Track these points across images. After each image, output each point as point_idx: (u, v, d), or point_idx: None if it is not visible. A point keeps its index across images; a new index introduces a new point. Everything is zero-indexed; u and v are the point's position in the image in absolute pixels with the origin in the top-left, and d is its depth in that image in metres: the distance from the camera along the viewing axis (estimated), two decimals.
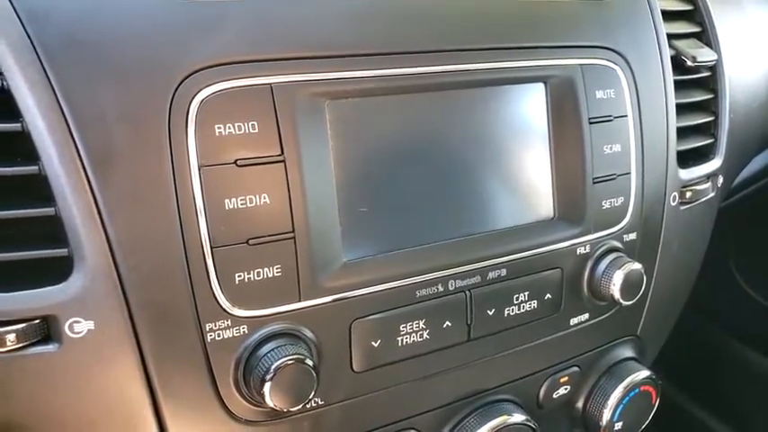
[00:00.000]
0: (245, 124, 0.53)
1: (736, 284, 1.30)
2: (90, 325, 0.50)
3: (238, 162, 0.52)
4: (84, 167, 0.49)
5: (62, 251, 0.49)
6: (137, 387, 0.52)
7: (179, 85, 0.51)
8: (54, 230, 0.49)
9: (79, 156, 0.48)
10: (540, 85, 0.66)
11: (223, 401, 0.55)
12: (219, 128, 0.52)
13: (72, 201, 0.49)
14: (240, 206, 0.53)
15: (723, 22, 0.86)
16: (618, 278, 0.70)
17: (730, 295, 1.30)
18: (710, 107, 0.84)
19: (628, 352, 0.80)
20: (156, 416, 0.54)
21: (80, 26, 0.49)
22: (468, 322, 0.64)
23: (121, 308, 0.51)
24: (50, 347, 0.50)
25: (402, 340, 0.61)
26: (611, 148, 0.70)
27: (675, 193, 0.77)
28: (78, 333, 0.50)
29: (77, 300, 0.49)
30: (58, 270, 0.49)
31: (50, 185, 0.48)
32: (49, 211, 0.49)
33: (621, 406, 0.76)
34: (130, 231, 0.50)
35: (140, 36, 0.50)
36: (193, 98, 0.51)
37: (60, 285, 0.49)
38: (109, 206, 0.49)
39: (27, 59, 0.47)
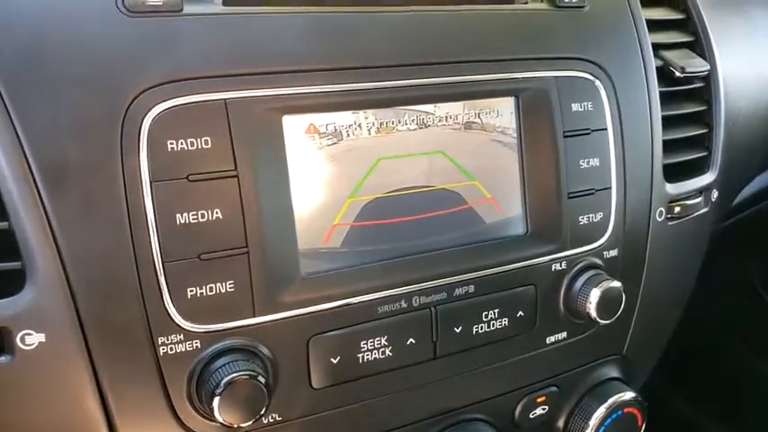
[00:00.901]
0: (198, 140, 0.53)
1: (762, 303, 1.24)
2: (41, 337, 0.51)
3: (190, 177, 0.53)
4: (35, 183, 0.49)
5: (15, 264, 0.50)
6: (90, 400, 0.53)
7: (132, 101, 0.51)
8: (7, 244, 0.50)
9: (31, 171, 0.49)
10: (511, 99, 0.65)
11: (177, 415, 0.56)
12: (172, 143, 0.52)
13: (24, 215, 0.49)
14: (192, 221, 0.53)
15: (724, 29, 0.83)
16: (594, 296, 0.68)
17: (756, 314, 1.25)
18: (704, 119, 0.81)
19: (612, 372, 0.78)
20: (110, 429, 0.54)
21: (33, 43, 0.50)
22: (434, 339, 0.63)
23: (73, 321, 0.51)
24: (2, 359, 0.50)
25: (363, 357, 0.60)
26: (588, 162, 0.68)
27: (662, 209, 0.75)
28: (30, 345, 0.50)
29: (29, 312, 0.50)
30: (11, 283, 0.50)
31: (3, 200, 0.49)
32: (2, 225, 0.50)
33: (603, 428, 0.74)
34: (82, 246, 0.51)
35: (93, 53, 0.51)
36: (146, 114, 0.51)
37: (13, 298, 0.50)
38: (61, 221, 0.50)
39: None
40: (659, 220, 0.75)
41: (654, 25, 0.75)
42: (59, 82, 0.50)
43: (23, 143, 0.49)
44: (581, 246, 0.69)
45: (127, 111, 0.51)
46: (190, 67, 0.53)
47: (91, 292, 0.51)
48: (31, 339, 0.51)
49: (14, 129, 0.49)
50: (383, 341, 0.61)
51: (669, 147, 0.75)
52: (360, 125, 0.60)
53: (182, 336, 0.54)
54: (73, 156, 0.50)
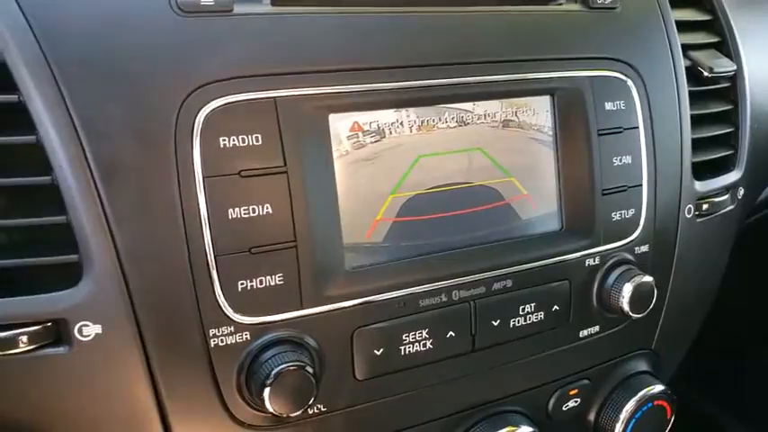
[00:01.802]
0: (249, 136, 0.54)
1: None
2: (98, 329, 0.52)
3: (242, 173, 0.54)
4: (93, 179, 0.51)
5: (72, 258, 0.52)
6: (143, 390, 0.54)
7: (185, 99, 0.53)
8: (65, 238, 0.52)
9: (89, 168, 0.51)
10: (547, 98, 0.66)
11: (227, 406, 0.57)
12: (224, 140, 0.54)
13: (82, 210, 0.51)
14: (243, 216, 0.54)
15: (749, 29, 0.84)
16: (627, 290, 0.69)
17: None
18: (730, 118, 0.82)
19: (642, 365, 0.79)
20: (162, 418, 0.56)
21: (91, 44, 0.51)
22: (473, 333, 0.64)
23: (128, 313, 0.53)
24: (61, 350, 0.52)
25: (405, 349, 0.62)
26: (620, 160, 0.69)
27: (691, 206, 0.76)
28: (87, 336, 0.52)
29: (86, 304, 0.52)
30: (69, 275, 0.52)
31: (62, 196, 0.51)
32: (60, 219, 0.51)
33: (634, 420, 0.75)
34: (137, 240, 0.52)
35: (147, 53, 0.52)
36: (199, 112, 0.53)
37: (70, 290, 0.51)
38: (117, 215, 0.51)
39: (42, 77, 0.50)
40: (688, 216, 0.76)
41: (682, 26, 0.76)
42: (116, 80, 0.51)
43: (82, 139, 0.50)
44: (613, 241, 0.70)
45: (180, 108, 0.52)
46: (240, 65, 0.54)
47: (145, 285, 0.53)
48: (88, 330, 0.52)
49: (74, 125, 0.50)
50: (424, 334, 0.62)
51: (697, 145, 0.76)
52: (402, 123, 0.61)
53: (232, 328, 0.55)
54: (129, 151, 0.52)
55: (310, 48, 0.57)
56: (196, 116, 0.53)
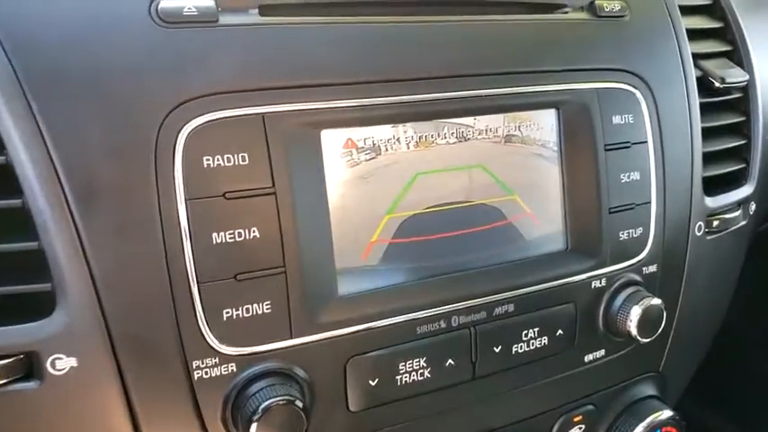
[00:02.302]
0: (235, 156, 0.51)
1: None
2: (72, 362, 0.49)
3: (227, 195, 0.51)
4: (67, 201, 0.47)
5: (45, 286, 0.48)
6: (121, 426, 0.51)
7: (166, 116, 0.49)
8: (37, 265, 0.48)
9: (63, 189, 0.47)
10: (552, 111, 0.63)
11: None
12: (208, 159, 0.50)
13: (55, 235, 0.48)
14: (228, 240, 0.51)
15: (761, 37, 0.81)
16: (635, 314, 0.66)
17: None
18: (742, 130, 0.79)
19: (649, 390, 0.76)
20: None
21: (64, 57, 0.48)
22: (473, 360, 0.61)
23: (105, 344, 0.49)
24: (32, 384, 0.48)
25: (402, 379, 0.58)
26: (629, 176, 0.66)
27: (701, 223, 0.73)
28: (61, 370, 0.49)
29: (60, 336, 0.48)
30: (42, 305, 0.48)
31: (33, 219, 0.47)
32: (32, 245, 0.48)
33: None
34: (115, 267, 0.49)
35: (126, 67, 0.49)
36: (181, 130, 0.50)
37: (43, 321, 0.48)
38: (93, 241, 0.48)
39: (11, 91, 0.47)
40: (698, 234, 0.73)
41: (692, 34, 0.73)
42: (92, 94, 0.48)
43: (54, 158, 0.47)
44: (620, 262, 0.67)
45: (161, 126, 0.49)
46: (226, 80, 0.51)
47: (123, 314, 0.49)
48: (62, 364, 0.49)
49: (45, 145, 0.47)
50: (422, 362, 0.59)
51: (707, 159, 0.73)
52: (398, 139, 0.58)
53: (217, 359, 0.52)
54: (105, 173, 0.48)
55: (301, 60, 0.54)
56: (178, 134, 0.49)
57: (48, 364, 0.48)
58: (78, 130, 0.48)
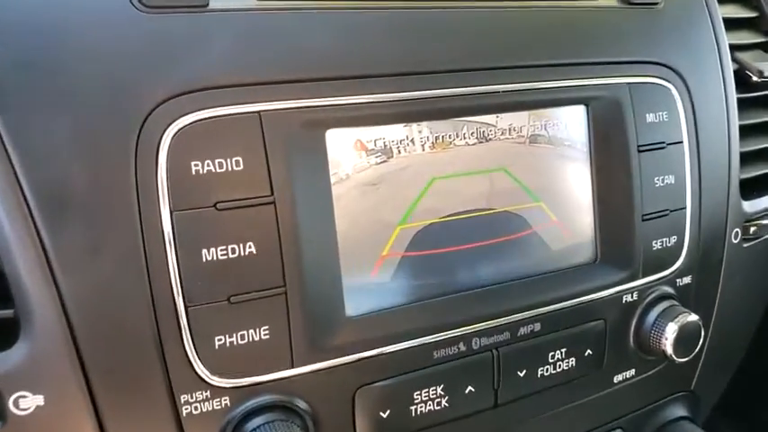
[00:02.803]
0: (228, 160, 0.45)
1: None
2: (39, 400, 0.43)
3: (218, 205, 0.44)
4: (32, 215, 0.41)
5: (6, 313, 0.42)
6: None
7: (148, 115, 0.43)
8: None
9: (26, 201, 0.41)
10: (581, 108, 0.57)
11: None
12: (196, 165, 0.44)
13: (18, 254, 0.42)
14: (220, 257, 0.45)
15: None
16: (671, 331, 0.60)
17: None
18: None
19: (680, 410, 0.70)
20: None
21: (29, 44, 0.41)
22: (495, 386, 0.55)
23: (78, 379, 0.43)
24: None
25: (416, 410, 0.52)
26: (663, 180, 0.60)
27: (738, 229, 0.67)
28: (25, 410, 0.43)
29: (23, 370, 0.42)
30: (2, 335, 0.42)
31: None
32: None
33: None
34: (88, 289, 0.43)
35: (101, 58, 0.43)
36: (165, 130, 0.44)
37: (3, 353, 0.42)
38: (62, 259, 0.42)
39: None
40: (734, 241, 0.67)
41: (726, 24, 0.66)
42: (61, 89, 0.42)
43: (16, 166, 0.41)
44: (653, 273, 0.61)
45: (142, 126, 0.43)
46: (217, 73, 0.45)
47: (99, 344, 0.44)
48: (26, 403, 0.43)
49: (5, 149, 0.41)
50: (439, 390, 0.53)
51: (744, 160, 0.67)
52: (412, 140, 0.51)
53: (208, 393, 0.46)
54: (76, 181, 0.42)
55: (303, 51, 0.47)
56: (162, 136, 0.43)
57: (10, 403, 0.42)
58: (45, 131, 0.41)
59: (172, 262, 0.44)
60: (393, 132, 0.50)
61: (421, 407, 0.52)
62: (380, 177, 0.50)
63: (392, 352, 0.51)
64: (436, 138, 0.52)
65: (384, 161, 0.50)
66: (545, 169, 0.56)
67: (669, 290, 0.63)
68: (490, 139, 0.54)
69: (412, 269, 0.52)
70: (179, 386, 0.45)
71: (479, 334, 0.54)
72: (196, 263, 0.44)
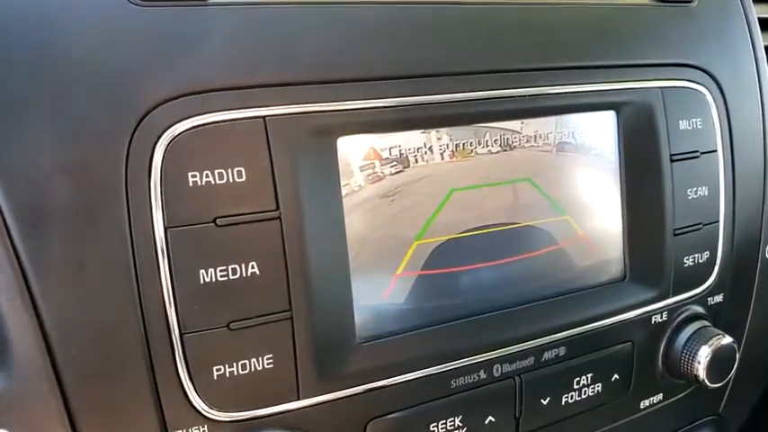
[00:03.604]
0: (229, 171, 0.40)
1: None
2: None
3: (218, 221, 0.40)
4: (9, 234, 0.37)
5: None
6: None
7: (140, 121, 0.39)
8: None
9: (3, 218, 0.37)
10: (610, 114, 0.53)
11: None
12: (194, 176, 0.40)
13: None
14: (220, 278, 0.41)
15: None
16: (704, 355, 0.56)
17: None
18: None
19: None
20: None
21: (6, 39, 0.37)
22: (517, 415, 0.51)
23: (60, 415, 0.39)
24: None
25: None
26: (696, 192, 0.56)
27: None
28: None
29: (1, 406, 0.38)
30: None
31: None
32: None
33: None
34: (73, 317, 0.39)
35: (88, 57, 0.38)
36: (160, 137, 0.39)
37: None
38: (43, 282, 0.38)
39: None
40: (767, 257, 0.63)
41: (761, 25, 0.62)
42: (42, 90, 0.37)
43: None
44: (684, 292, 0.57)
45: (134, 132, 0.39)
46: (218, 73, 0.41)
47: (84, 376, 0.39)
48: None
49: None
50: (457, 421, 0.49)
51: None
52: (431, 148, 0.47)
53: (206, 428, 0.43)
54: (60, 194, 0.38)
55: (312, 50, 0.43)
56: (156, 143, 0.39)
57: None
58: (23, 138, 0.37)
59: (166, 284, 0.40)
60: (410, 140, 0.46)
61: None
62: (396, 189, 0.46)
63: (407, 381, 0.47)
64: (456, 145, 0.48)
65: (400, 171, 0.46)
66: (572, 180, 0.52)
67: (700, 309, 0.59)
68: (514, 147, 0.50)
69: (429, 289, 0.48)
70: (174, 421, 0.41)
71: (501, 360, 0.50)
72: (193, 285, 0.40)
